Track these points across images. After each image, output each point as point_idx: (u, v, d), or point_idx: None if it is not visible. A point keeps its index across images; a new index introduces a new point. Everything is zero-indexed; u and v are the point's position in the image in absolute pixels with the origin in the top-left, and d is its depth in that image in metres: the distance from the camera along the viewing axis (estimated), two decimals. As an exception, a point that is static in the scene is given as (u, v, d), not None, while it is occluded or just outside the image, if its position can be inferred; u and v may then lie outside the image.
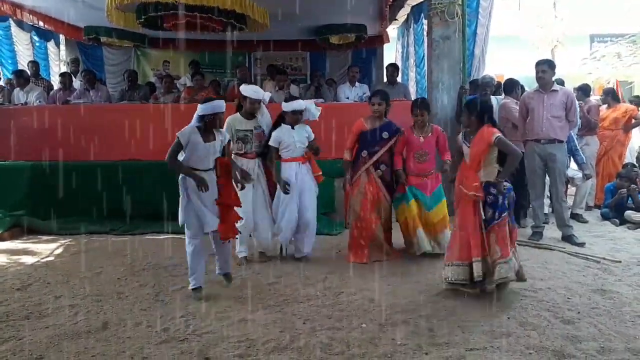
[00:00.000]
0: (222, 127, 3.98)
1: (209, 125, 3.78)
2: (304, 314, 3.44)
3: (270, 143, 4.50)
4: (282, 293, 3.86)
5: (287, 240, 4.71)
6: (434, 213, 4.61)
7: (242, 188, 4.08)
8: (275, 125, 4.56)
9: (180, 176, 3.75)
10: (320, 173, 4.67)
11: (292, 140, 4.49)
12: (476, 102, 3.76)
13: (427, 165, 4.60)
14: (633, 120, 7.25)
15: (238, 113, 4.50)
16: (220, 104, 3.80)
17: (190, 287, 3.82)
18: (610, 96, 7.42)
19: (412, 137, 4.57)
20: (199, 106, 3.79)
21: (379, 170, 4.63)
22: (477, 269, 3.57)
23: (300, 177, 4.53)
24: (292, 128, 4.52)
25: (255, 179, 4.44)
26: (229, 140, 4.18)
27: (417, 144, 4.57)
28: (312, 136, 4.63)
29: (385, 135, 4.60)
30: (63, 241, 5.52)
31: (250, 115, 4.48)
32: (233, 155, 4.40)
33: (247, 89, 4.45)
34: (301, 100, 4.70)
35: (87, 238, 5.65)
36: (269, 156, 4.55)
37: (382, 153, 4.61)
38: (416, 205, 4.61)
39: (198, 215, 3.74)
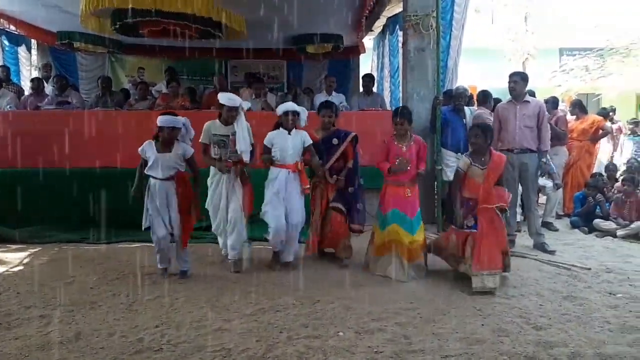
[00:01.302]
0: (172, 142, 4.23)
1: (162, 138, 4.18)
2: (280, 323, 3.42)
3: (265, 142, 4.49)
4: (258, 302, 3.84)
5: (277, 246, 4.61)
6: (417, 236, 4.41)
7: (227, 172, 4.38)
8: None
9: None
10: (308, 186, 4.60)
11: (286, 145, 4.45)
12: (491, 128, 4.43)
13: (408, 174, 4.45)
14: (600, 132, 7.49)
15: (217, 119, 4.49)
16: (176, 120, 4.22)
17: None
18: (578, 108, 7.63)
19: (393, 146, 4.48)
20: (158, 117, 4.20)
21: (334, 177, 4.65)
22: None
23: (289, 185, 4.47)
24: (289, 134, 4.49)
25: (230, 188, 4.43)
26: (192, 156, 4.33)
27: (399, 153, 4.45)
28: (309, 141, 4.55)
29: (335, 142, 4.65)
30: (33, 250, 5.39)
31: (228, 122, 4.46)
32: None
33: (223, 97, 4.44)
34: (293, 104, 4.65)
35: (58, 247, 5.52)
36: (263, 156, 4.50)
37: (334, 160, 4.64)
38: (400, 230, 4.38)
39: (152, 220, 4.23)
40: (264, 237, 4.66)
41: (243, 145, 4.38)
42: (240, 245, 4.59)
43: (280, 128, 4.52)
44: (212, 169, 4.54)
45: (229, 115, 4.40)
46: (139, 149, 4.23)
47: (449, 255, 4.38)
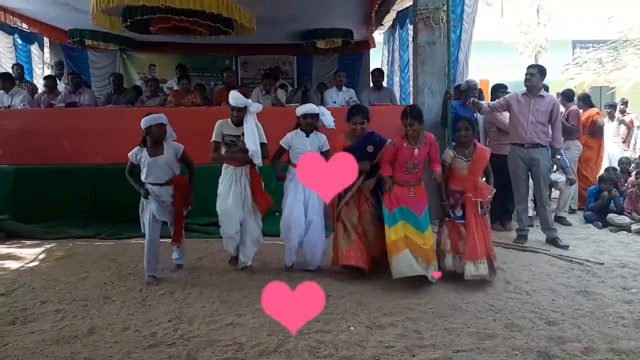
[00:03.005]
0: (161, 142, 4.20)
1: (152, 138, 4.13)
2: (292, 318, 3.44)
3: (281, 142, 4.40)
4: (270, 296, 3.85)
5: (293, 251, 4.49)
6: (427, 239, 4.15)
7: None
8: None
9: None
10: None
11: (303, 147, 4.32)
12: (475, 121, 4.32)
13: (415, 175, 4.23)
14: (596, 126, 7.35)
15: (230, 118, 4.39)
16: (155, 117, 4.15)
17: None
18: (582, 101, 7.53)
19: (403, 149, 4.16)
20: (142, 120, 4.15)
21: (368, 186, 4.27)
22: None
23: (309, 190, 4.31)
24: (307, 136, 4.38)
25: (242, 188, 4.33)
26: (184, 152, 4.30)
27: (410, 155, 4.16)
28: (327, 147, 4.40)
29: (370, 149, 4.25)
30: (48, 246, 5.45)
31: (235, 122, 4.36)
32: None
33: (230, 96, 4.30)
34: (314, 105, 4.50)
35: (72, 242, 5.58)
36: (275, 155, 4.42)
37: (369, 165, 4.24)
38: (407, 227, 4.14)
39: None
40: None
41: (252, 145, 4.20)
42: (254, 255, 4.54)
43: (299, 130, 4.42)
44: (223, 171, 4.41)
45: (233, 115, 4.31)
46: (130, 153, 4.19)
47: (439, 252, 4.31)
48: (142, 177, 4.20)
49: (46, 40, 10.49)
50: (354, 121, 4.25)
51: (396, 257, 4.04)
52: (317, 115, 4.39)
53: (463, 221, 4.21)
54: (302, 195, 4.37)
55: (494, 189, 4.32)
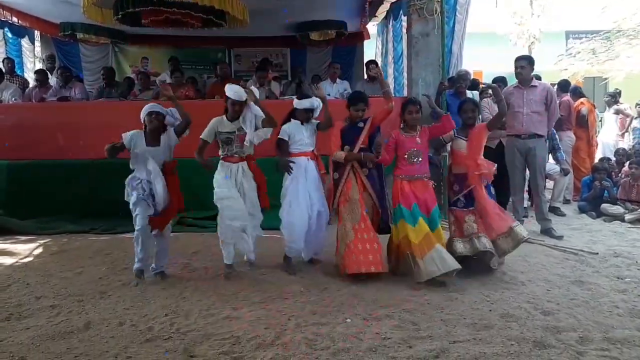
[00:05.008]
0: (160, 131, 4.15)
1: (152, 126, 4.08)
2: (288, 311, 3.44)
3: (280, 136, 4.39)
4: (266, 290, 3.86)
5: (300, 250, 4.45)
6: (437, 235, 4.06)
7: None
8: (285, 122, 4.46)
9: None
10: (324, 171, 4.48)
11: (302, 135, 4.39)
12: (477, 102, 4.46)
13: (419, 167, 4.16)
14: (580, 115, 7.37)
15: (224, 115, 4.32)
16: (149, 106, 4.14)
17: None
18: (572, 93, 7.55)
19: (402, 138, 4.18)
20: (142, 109, 4.13)
21: (365, 169, 4.30)
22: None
23: (310, 173, 4.36)
24: (302, 124, 4.42)
25: (240, 184, 4.28)
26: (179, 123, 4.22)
27: (411, 144, 4.15)
28: (315, 124, 4.49)
29: (360, 125, 4.33)
30: (42, 241, 5.42)
31: (233, 116, 4.30)
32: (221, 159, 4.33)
33: (229, 89, 4.25)
34: (314, 99, 4.47)
35: (66, 238, 5.56)
36: (282, 149, 4.40)
37: (362, 139, 4.27)
38: (424, 224, 4.02)
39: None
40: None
41: (254, 137, 4.28)
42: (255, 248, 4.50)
43: (293, 120, 4.45)
44: (220, 167, 4.32)
45: (233, 109, 4.24)
46: (125, 134, 4.09)
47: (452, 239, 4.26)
48: (130, 164, 4.14)
49: (37, 33, 10.36)
50: (355, 108, 4.31)
51: (428, 256, 3.86)
52: (315, 109, 4.45)
53: (471, 208, 4.20)
54: (304, 189, 4.32)
55: (495, 163, 4.29)
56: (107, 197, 5.82)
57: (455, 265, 3.84)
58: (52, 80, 8.11)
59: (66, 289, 3.95)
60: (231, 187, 4.23)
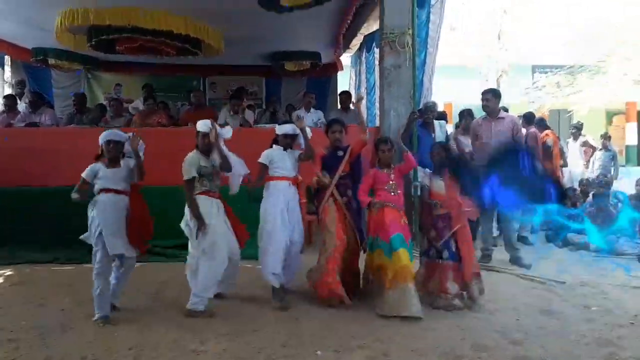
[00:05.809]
0: (118, 158, 4.05)
1: (109, 154, 3.99)
2: (258, 343, 3.37)
3: (261, 160, 4.33)
4: (235, 321, 3.78)
5: (281, 276, 4.27)
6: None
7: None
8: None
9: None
10: (305, 201, 4.46)
11: (284, 160, 4.36)
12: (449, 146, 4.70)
13: (398, 198, 4.23)
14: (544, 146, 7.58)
15: (196, 150, 4.18)
16: (112, 133, 4.04)
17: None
18: (537, 125, 7.78)
19: (379, 174, 4.27)
20: (100, 135, 4.04)
21: (345, 197, 4.35)
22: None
23: (291, 202, 4.30)
24: (284, 150, 4.41)
25: (220, 218, 4.15)
26: (136, 165, 4.04)
27: (387, 179, 4.25)
28: (297, 154, 4.45)
29: (340, 153, 4.42)
30: (2, 271, 5.23)
31: (203, 149, 4.18)
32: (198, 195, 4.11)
33: (199, 123, 4.18)
34: (294, 126, 4.45)
35: (29, 268, 5.37)
36: (259, 173, 4.36)
37: (341, 169, 4.34)
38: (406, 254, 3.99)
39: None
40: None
41: (237, 165, 4.24)
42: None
43: (275, 146, 4.45)
44: (202, 201, 4.09)
45: (204, 143, 4.14)
46: (84, 173, 3.95)
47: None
48: (97, 185, 3.96)
49: (7, 58, 10.22)
50: (332, 130, 4.48)
51: (394, 292, 3.85)
52: (296, 136, 4.44)
53: (451, 262, 4.13)
54: (284, 216, 4.26)
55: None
56: (74, 225, 5.65)
57: (418, 313, 3.77)
58: (21, 106, 7.98)
59: (27, 321, 3.79)
60: (219, 224, 4.12)
